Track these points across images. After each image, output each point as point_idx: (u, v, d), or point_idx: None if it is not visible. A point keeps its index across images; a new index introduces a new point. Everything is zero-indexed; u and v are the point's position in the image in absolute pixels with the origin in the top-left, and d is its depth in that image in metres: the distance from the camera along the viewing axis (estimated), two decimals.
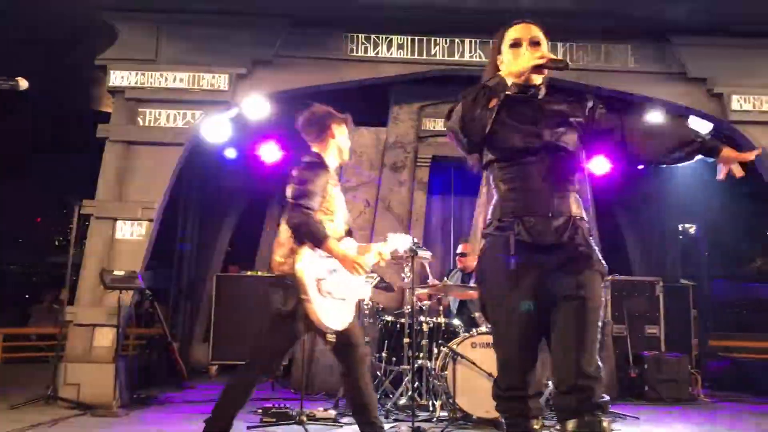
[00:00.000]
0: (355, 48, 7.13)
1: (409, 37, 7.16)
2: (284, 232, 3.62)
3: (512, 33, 2.55)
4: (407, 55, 7.17)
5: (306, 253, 3.47)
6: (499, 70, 2.54)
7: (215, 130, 7.16)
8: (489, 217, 2.54)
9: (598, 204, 8.37)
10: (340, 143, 3.98)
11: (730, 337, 9.11)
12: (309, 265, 3.47)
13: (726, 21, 6.82)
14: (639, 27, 7.04)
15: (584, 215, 2.50)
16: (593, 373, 2.25)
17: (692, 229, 10.00)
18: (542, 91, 2.55)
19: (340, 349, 3.68)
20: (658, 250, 9.80)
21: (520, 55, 2.49)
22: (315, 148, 3.90)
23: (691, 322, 8.33)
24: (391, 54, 7.18)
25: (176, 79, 6.81)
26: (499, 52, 2.59)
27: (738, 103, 7.04)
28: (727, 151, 2.53)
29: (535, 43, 2.52)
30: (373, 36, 7.15)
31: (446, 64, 7.17)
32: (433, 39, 7.17)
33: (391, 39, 7.16)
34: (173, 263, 9.65)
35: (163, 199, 6.57)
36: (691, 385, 7.11)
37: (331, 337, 3.58)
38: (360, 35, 7.14)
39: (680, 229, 9.91)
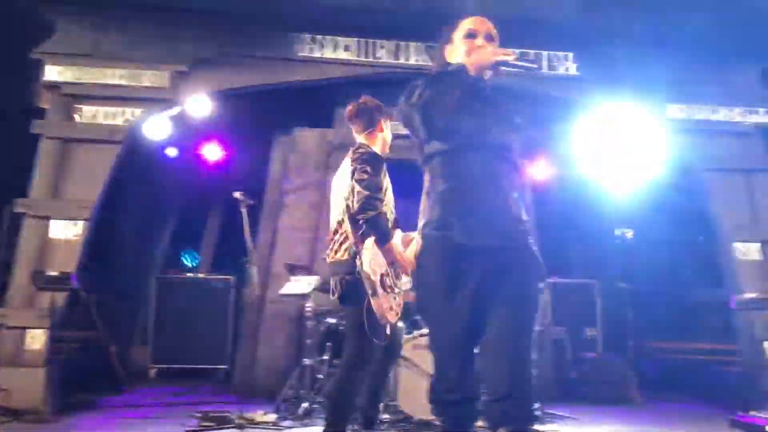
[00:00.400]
0: (300, 48, 7.06)
1: (355, 39, 7.14)
2: (349, 224, 3.56)
3: (467, 24, 2.51)
4: (353, 57, 7.14)
5: (372, 247, 3.40)
6: (445, 58, 2.51)
7: (156, 128, 6.99)
8: (427, 215, 2.43)
9: (538, 207, 8.50)
10: (386, 137, 3.99)
11: (666, 338, 9.37)
12: (375, 259, 3.41)
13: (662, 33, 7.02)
14: (582, 35, 7.18)
15: (525, 216, 2.46)
16: (527, 381, 2.21)
17: (629, 234, 10.24)
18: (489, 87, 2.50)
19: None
20: (597, 253, 10.02)
21: (477, 48, 2.42)
22: (361, 139, 3.89)
23: (627, 324, 8.54)
24: (337, 55, 7.14)
25: (115, 75, 6.63)
26: (449, 41, 2.54)
27: (676, 111, 7.28)
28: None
29: (490, 38, 2.47)
30: (318, 37, 7.09)
31: (392, 67, 7.17)
32: (378, 42, 7.16)
33: (337, 41, 7.12)
34: (111, 264, 9.38)
35: (100, 198, 6.39)
36: (628, 386, 7.28)
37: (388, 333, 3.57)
38: (306, 36, 7.08)
39: (618, 233, 10.14)
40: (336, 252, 3.82)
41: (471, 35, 2.47)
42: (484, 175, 2.36)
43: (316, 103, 7.92)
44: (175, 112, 6.91)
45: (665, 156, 7.12)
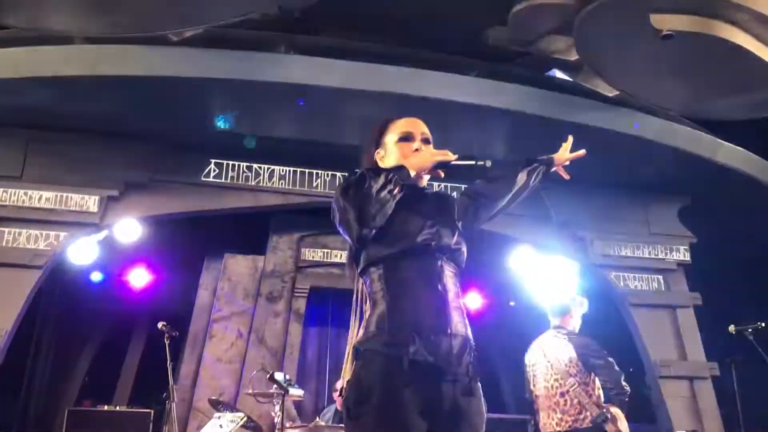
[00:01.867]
0: (235, 176, 7.08)
1: (291, 169, 7.21)
2: None
3: (402, 126, 2.36)
4: (288, 186, 7.19)
5: None
6: (376, 162, 2.34)
7: (81, 252, 6.76)
8: (370, 329, 2.12)
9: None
10: None
11: None
12: None
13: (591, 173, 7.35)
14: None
15: (469, 332, 2.20)
16: None
17: None
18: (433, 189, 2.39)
19: None
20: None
21: (415, 150, 2.28)
22: None
23: None
24: (273, 184, 7.18)
25: (41, 198, 6.46)
26: (378, 145, 2.38)
27: (601, 248, 7.50)
28: (558, 155, 2.59)
29: (427, 141, 2.34)
30: (254, 165, 7.15)
31: (328, 196, 7.22)
32: (315, 172, 7.25)
33: (273, 169, 7.18)
34: (20, 396, 8.75)
35: (14, 325, 6.03)
36: None
37: None
38: (242, 164, 7.12)
39: None
40: None
41: (406, 138, 2.32)
42: (432, 285, 2.13)
43: (248, 229, 7.87)
44: (102, 237, 6.73)
45: (593, 290, 7.26)
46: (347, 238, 2.18)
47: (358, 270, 2.25)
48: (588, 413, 4.37)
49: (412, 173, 2.18)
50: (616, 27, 5.19)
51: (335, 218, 2.18)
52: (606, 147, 6.68)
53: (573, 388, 4.43)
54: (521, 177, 2.49)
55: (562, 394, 4.49)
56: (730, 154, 7.10)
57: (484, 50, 6.41)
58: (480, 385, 2.15)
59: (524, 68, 6.72)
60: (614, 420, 4.40)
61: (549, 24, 5.83)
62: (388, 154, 2.33)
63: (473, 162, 2.19)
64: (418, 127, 2.36)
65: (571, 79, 6.59)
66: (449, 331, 2.08)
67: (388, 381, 2.01)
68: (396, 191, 2.11)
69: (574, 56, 5.93)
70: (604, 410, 4.40)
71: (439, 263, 2.17)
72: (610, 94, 6.32)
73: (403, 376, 2.00)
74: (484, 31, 6.21)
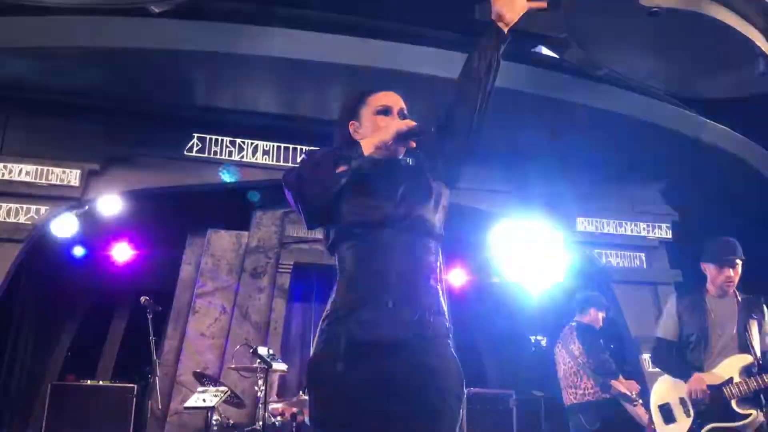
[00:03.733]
0: (219, 151, 7.01)
1: (275, 144, 7.15)
2: None
3: (379, 99, 2.29)
4: (273, 161, 7.13)
5: None
6: (350, 135, 2.26)
7: (62, 226, 6.70)
8: (328, 306, 2.10)
9: (453, 314, 8.50)
10: None
11: None
12: None
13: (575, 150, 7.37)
14: (496, 149, 7.43)
15: (443, 308, 2.13)
16: None
17: (543, 341, 10.31)
18: (406, 161, 2.29)
19: None
20: (512, 360, 10.01)
21: (391, 124, 2.21)
22: None
23: None
24: (257, 159, 7.12)
25: (22, 171, 6.37)
26: (352, 117, 2.30)
27: (584, 225, 7.53)
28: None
29: (404, 116, 2.27)
30: (238, 140, 7.08)
31: None
32: (299, 147, 7.20)
33: (257, 144, 7.12)
34: (1, 371, 8.70)
35: None
36: None
37: None
38: (225, 139, 7.05)
39: (532, 340, 10.20)
40: None
41: (384, 111, 2.26)
42: (384, 259, 2.06)
43: (232, 205, 7.81)
44: (83, 211, 6.67)
45: (576, 267, 7.32)
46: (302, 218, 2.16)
47: (330, 250, 2.21)
48: None
49: (370, 149, 2.12)
50: (604, 3, 5.16)
51: (290, 198, 2.15)
52: (591, 125, 6.70)
53: None
54: (476, 55, 2.33)
55: None
56: (714, 133, 7.13)
57: (472, 26, 6.36)
58: (448, 350, 2.09)
59: (511, 44, 6.67)
60: None
61: None
62: (364, 127, 2.27)
63: (422, 129, 2.17)
64: (396, 101, 2.31)
65: (557, 56, 6.56)
66: (392, 304, 2.01)
67: (329, 360, 2.00)
68: (340, 169, 2.05)
69: (561, 33, 5.90)
70: None
71: (390, 236, 2.08)
72: (597, 72, 6.30)
73: (339, 355, 1.98)
74: (471, 5, 6.15)
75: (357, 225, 2.10)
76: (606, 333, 5.59)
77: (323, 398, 2.04)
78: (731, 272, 3.93)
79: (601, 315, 5.44)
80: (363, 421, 1.96)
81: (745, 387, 3.70)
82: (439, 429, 1.97)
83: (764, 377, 3.68)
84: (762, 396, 3.71)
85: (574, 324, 5.45)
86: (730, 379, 3.77)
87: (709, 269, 4.04)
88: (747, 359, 3.78)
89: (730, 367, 3.80)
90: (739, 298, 3.97)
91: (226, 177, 6.72)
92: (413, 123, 2.17)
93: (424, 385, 1.98)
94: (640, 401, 4.88)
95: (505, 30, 2.34)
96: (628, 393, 4.96)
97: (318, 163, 2.08)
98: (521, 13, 2.34)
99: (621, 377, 5.12)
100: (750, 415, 3.69)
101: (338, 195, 2.08)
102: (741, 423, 3.69)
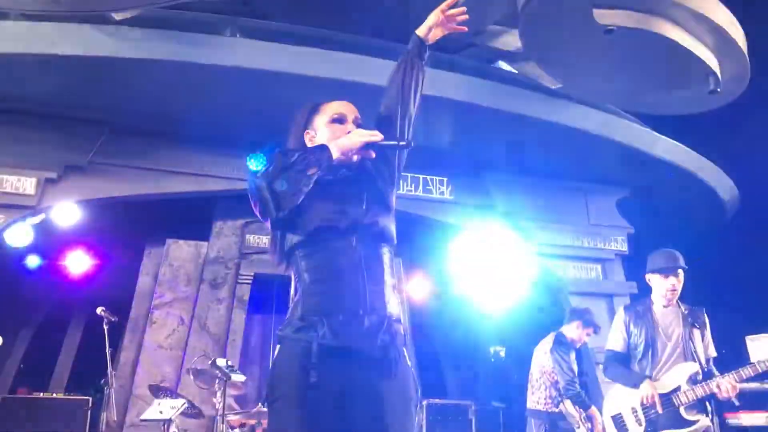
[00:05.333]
0: (178, 161, 6.95)
1: (236, 154, 7.11)
2: None
3: (334, 108, 2.31)
4: (233, 171, 7.10)
5: None
6: (305, 145, 2.28)
7: (17, 235, 6.56)
8: (288, 315, 2.10)
9: (414, 325, 8.53)
10: None
11: None
12: None
13: (533, 164, 7.50)
14: (456, 162, 7.52)
15: (402, 317, 2.17)
16: None
17: (502, 352, 10.40)
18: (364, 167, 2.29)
19: None
20: (472, 371, 10.09)
21: (347, 132, 2.23)
22: None
23: None
24: (217, 169, 7.08)
25: None
26: (306, 127, 2.33)
27: (542, 237, 7.65)
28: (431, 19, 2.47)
29: (358, 124, 2.31)
30: (198, 149, 7.03)
31: None
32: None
33: (217, 154, 7.08)
34: None
35: None
36: None
37: None
38: (186, 148, 6.99)
39: (491, 351, 10.28)
40: None
41: (339, 120, 2.28)
42: (351, 265, 2.07)
43: (191, 215, 7.74)
44: (38, 220, 6.55)
45: (534, 278, 7.42)
46: (263, 220, 2.16)
47: (284, 256, 2.21)
48: None
49: (337, 154, 2.13)
50: (561, 21, 5.28)
51: (252, 200, 2.15)
52: (549, 138, 6.84)
53: None
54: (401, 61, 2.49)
55: None
56: (667, 148, 7.32)
57: (436, 41, 6.45)
58: (408, 366, 2.11)
59: (470, 59, 6.78)
60: None
61: (495, 15, 5.90)
62: (319, 136, 2.28)
63: (399, 142, 2.22)
64: (351, 110, 2.33)
65: (516, 71, 6.68)
66: (361, 311, 2.03)
67: (297, 368, 1.99)
68: (312, 171, 2.08)
69: (519, 47, 6.01)
70: None
71: (356, 243, 2.10)
72: (554, 87, 6.44)
73: (310, 361, 1.97)
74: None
75: (325, 230, 2.10)
76: (583, 354, 5.51)
77: (285, 409, 2.01)
78: (675, 281, 4.04)
79: (584, 332, 5.27)
80: (314, 419, 1.96)
81: (693, 394, 3.80)
82: None
83: (709, 384, 3.79)
84: (707, 402, 3.82)
85: (556, 333, 5.31)
86: (678, 387, 3.87)
87: (653, 279, 4.15)
88: (693, 367, 3.89)
89: (677, 376, 3.90)
90: (683, 309, 4.08)
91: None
92: (380, 135, 2.17)
93: (388, 393, 2.01)
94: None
95: (428, 44, 2.52)
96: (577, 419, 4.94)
97: (294, 162, 2.09)
98: (444, 34, 2.54)
99: (593, 407, 4.93)
100: (698, 421, 3.79)
101: (304, 198, 2.10)
102: (690, 429, 3.79)
